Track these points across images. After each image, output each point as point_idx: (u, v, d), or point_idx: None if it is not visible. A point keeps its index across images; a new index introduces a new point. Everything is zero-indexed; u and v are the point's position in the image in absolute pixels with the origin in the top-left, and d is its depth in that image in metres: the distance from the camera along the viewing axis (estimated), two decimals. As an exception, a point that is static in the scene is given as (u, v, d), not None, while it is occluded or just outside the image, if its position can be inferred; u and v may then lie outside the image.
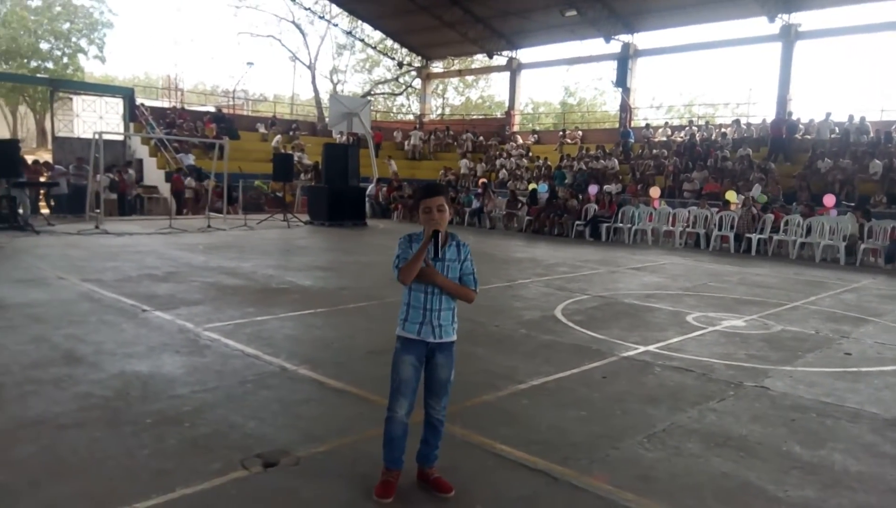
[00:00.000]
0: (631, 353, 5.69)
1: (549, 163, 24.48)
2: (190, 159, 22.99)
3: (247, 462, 3.27)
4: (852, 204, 15.89)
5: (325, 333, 6.15)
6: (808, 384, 4.92)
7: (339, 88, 44.37)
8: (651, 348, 5.88)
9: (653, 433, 3.87)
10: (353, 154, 18.91)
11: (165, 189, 21.80)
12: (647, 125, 25.57)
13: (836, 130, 20.90)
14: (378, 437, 3.68)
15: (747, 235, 14.77)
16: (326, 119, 29.76)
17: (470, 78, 44.54)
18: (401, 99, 46.40)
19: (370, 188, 21.64)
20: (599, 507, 3.00)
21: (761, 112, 24.87)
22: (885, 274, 11.98)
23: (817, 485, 3.26)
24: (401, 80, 42.52)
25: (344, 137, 26.22)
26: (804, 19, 22.36)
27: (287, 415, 3.98)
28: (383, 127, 31.33)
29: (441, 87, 47.10)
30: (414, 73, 36.99)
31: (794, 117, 22.33)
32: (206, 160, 21.92)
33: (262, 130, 28.19)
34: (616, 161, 23.16)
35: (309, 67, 41.59)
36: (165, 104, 30.21)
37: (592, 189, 19.28)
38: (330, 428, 3.79)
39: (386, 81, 45.15)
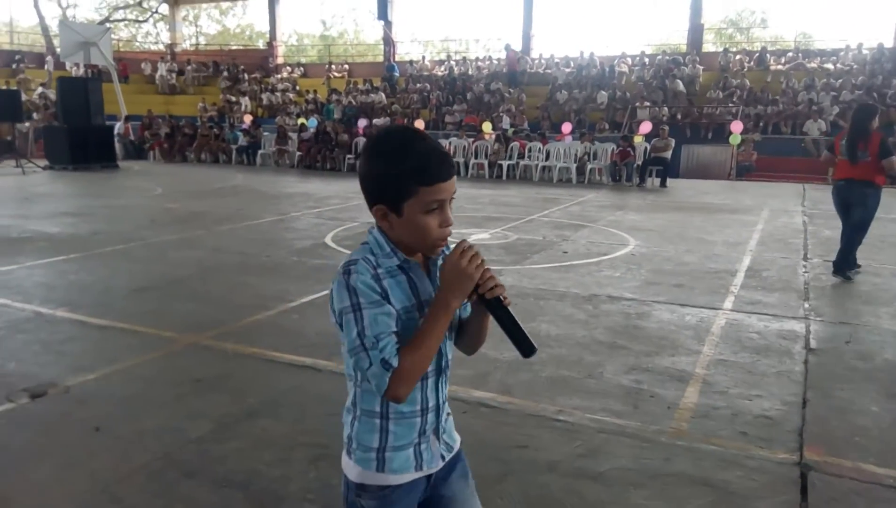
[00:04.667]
0: (392, 267, 6.33)
1: (318, 97, 24.34)
2: None
3: (13, 397, 3.27)
4: (584, 130, 18.29)
5: (82, 277, 5.90)
6: (530, 277, 5.96)
7: (69, 13, 38.79)
8: (409, 262, 6.58)
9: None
10: (94, 89, 17.12)
11: None
12: (412, 61, 26.44)
13: (571, 64, 23.60)
14: (155, 361, 3.87)
15: (499, 162, 16.36)
16: (58, 50, 26.20)
17: (226, 4, 41.63)
18: (147, 27, 42.08)
19: (118, 126, 19.78)
20: (357, 387, 3.56)
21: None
22: (608, 189, 14.19)
23: (527, 348, 4.15)
24: (145, 5, 38.41)
25: (81, 70, 23.44)
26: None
27: (49, 353, 3.94)
28: (128, 58, 28.40)
29: (194, 13, 43.48)
30: (161, -3, 33.71)
31: (535, 53, 24.66)
32: None
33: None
34: (383, 95, 23.78)
35: (29, -12, 35.66)
36: None
37: (362, 123, 19.71)
38: (98, 360, 3.86)
39: (127, 7, 40.38)
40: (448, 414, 1.46)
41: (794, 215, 10.08)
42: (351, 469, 1.39)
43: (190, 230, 8.13)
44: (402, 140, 1.25)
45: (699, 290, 5.57)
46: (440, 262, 1.31)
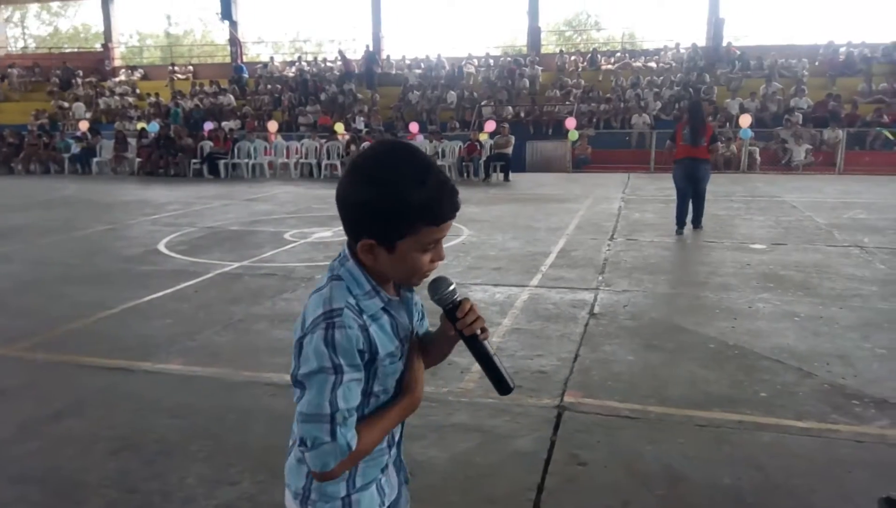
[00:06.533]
0: (226, 269, 6.38)
1: (161, 100, 23.24)
2: None
3: None
4: (435, 129, 18.88)
5: None
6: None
7: None
8: (245, 262, 6.66)
9: (229, 323, 4.66)
10: None
11: None
12: (265, 64, 25.86)
13: (422, 65, 24.22)
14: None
15: (351, 161, 16.53)
16: None
17: (56, 5, 38.54)
18: (-37, 28, 37.97)
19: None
20: (171, 381, 3.68)
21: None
22: (455, 184, 14.72)
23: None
24: (-43, 3, 34.66)
25: None
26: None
27: None
28: (-59, 62, 25.62)
29: (19, 15, 39.87)
30: (-25, -5, 30.58)
31: (386, 54, 25.05)
32: None
33: None
34: (232, 97, 23.16)
35: None
36: None
37: (208, 126, 19.11)
38: None
39: (-64, 4, 36.26)
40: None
41: (614, 201, 11.13)
42: None
43: (8, 245, 7.65)
44: (410, 169, 1.07)
45: (514, 271, 6.12)
46: (414, 292, 1.24)
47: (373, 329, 1.11)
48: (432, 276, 1.19)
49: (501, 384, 1.22)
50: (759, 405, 3.31)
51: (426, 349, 1.28)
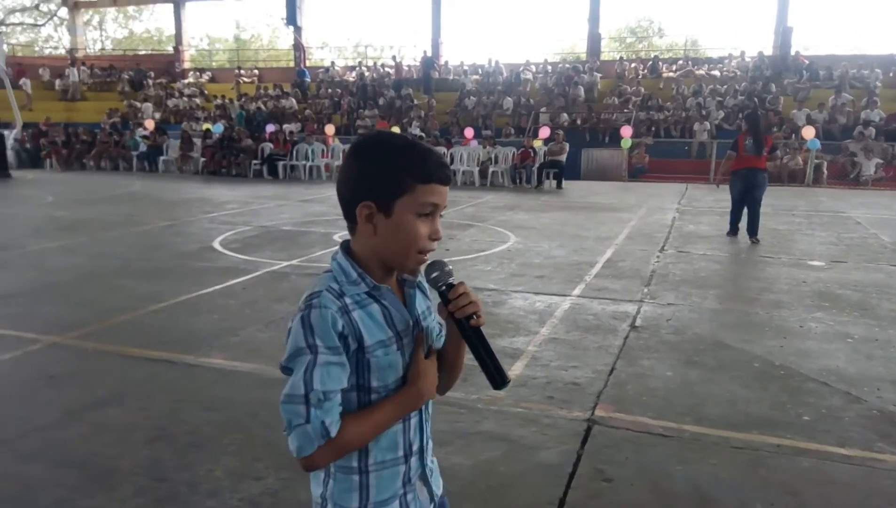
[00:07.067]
0: (275, 268, 6.53)
1: (227, 102, 24.01)
2: None
3: None
4: (489, 134, 18.88)
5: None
6: (406, 273, 6.29)
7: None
8: (294, 262, 6.80)
9: (272, 321, 4.76)
10: (-18, 95, 16.38)
11: None
12: (327, 68, 26.43)
13: (479, 71, 24.27)
14: (11, 360, 3.95)
15: (405, 165, 16.67)
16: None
17: (131, 9, 40.33)
18: (48, 30, 40.29)
19: (14, 133, 18.96)
20: (210, 375, 3.79)
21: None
22: (507, 191, 14.77)
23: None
24: (42, 8, 36.78)
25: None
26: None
27: None
28: (26, 63, 27.16)
29: (98, 18, 41.91)
30: (59, 0, 32.36)
31: (444, 60, 25.21)
32: None
33: None
34: (294, 101, 23.74)
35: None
36: None
37: (269, 128, 19.63)
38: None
39: (25, 10, 38.57)
40: (431, 454, 1.29)
41: (668, 212, 10.87)
42: None
43: (73, 237, 8.04)
44: (396, 139, 1.16)
45: (557, 280, 6.05)
46: (420, 283, 1.22)
47: (357, 314, 1.11)
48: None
49: (492, 377, 1.18)
50: (800, 428, 3.17)
51: (442, 357, 1.26)
